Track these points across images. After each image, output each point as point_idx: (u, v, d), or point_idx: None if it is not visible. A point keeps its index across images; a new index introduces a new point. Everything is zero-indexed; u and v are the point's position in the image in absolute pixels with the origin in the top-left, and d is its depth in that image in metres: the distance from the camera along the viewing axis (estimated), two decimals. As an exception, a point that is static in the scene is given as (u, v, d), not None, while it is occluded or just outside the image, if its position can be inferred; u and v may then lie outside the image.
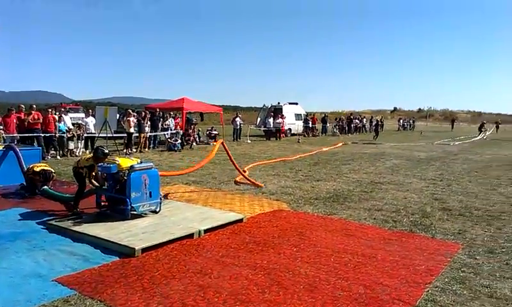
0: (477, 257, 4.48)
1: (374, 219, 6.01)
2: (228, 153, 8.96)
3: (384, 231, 5.39)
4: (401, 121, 43.33)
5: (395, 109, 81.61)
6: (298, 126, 27.89)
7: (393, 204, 6.97)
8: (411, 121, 45.55)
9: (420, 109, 79.14)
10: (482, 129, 32.33)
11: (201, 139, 20.01)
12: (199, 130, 20.51)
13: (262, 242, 4.87)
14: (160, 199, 5.93)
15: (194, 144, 17.92)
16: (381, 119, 37.39)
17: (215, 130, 21.05)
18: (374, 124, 28.33)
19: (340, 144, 20.29)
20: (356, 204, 6.94)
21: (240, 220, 5.70)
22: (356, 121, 34.53)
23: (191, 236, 4.99)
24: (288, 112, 27.35)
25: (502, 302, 3.45)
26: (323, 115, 34.37)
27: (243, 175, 8.74)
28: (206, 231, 5.19)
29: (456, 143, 23.15)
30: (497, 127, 43.64)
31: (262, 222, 5.70)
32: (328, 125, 31.80)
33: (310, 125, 28.92)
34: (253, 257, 4.39)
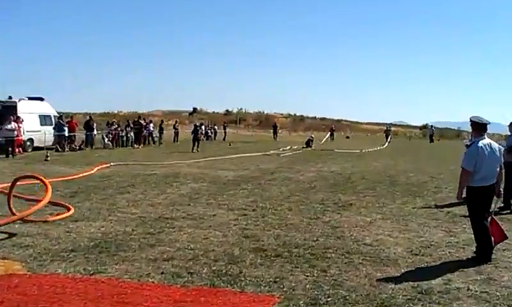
0: (297, 312, 5.02)
1: (162, 273, 6.11)
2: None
3: (177, 290, 5.52)
4: (203, 127, 46.13)
5: (194, 110, 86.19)
6: (46, 134, 26.63)
7: (189, 248, 7.23)
8: (215, 128, 49.01)
9: (228, 110, 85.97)
10: (311, 143, 37.30)
11: None
12: None
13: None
14: None
15: None
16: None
17: None
18: (192, 131, 30.34)
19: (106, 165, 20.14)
20: (135, 253, 6.94)
21: None
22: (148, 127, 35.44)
23: None
24: (29, 112, 25.84)
25: None
26: (88, 117, 33.72)
27: None
28: None
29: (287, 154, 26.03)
30: (332, 134, 51.52)
31: (-26, 299, 5.07)
32: (96, 132, 31.36)
33: (67, 133, 27.95)
34: None
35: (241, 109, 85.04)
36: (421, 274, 6.36)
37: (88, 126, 30.60)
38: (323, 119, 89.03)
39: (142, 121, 35.73)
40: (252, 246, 7.47)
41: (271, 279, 5.98)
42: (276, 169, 19.74)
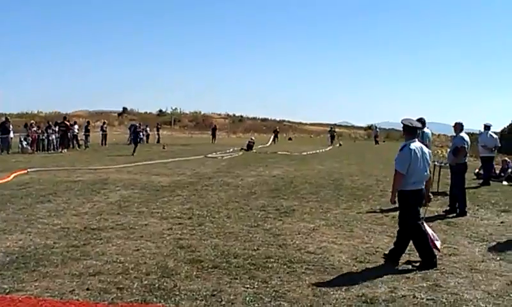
0: (236, 327, 5.03)
1: (88, 289, 6.02)
2: None
3: (104, 308, 5.41)
4: (133, 128, 45.44)
5: (124, 110, 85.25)
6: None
7: (118, 261, 7.14)
8: (147, 129, 48.47)
9: (161, 111, 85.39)
10: (252, 146, 37.70)
11: None
12: None
13: None
14: None
15: None
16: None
17: None
18: (131, 132, 30.09)
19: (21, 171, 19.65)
20: (57, 268, 6.79)
21: None
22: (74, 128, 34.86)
23: None
24: None
25: None
26: (3, 119, 32.70)
27: None
28: None
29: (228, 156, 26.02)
30: (276, 136, 52.99)
31: None
32: (13, 135, 30.51)
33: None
34: None
35: (176, 109, 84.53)
36: (366, 282, 6.51)
37: (4, 128, 29.59)
38: (264, 120, 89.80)
39: (67, 122, 34.80)
40: (188, 257, 7.44)
41: (207, 293, 5.98)
42: (214, 173, 19.73)
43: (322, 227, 9.81)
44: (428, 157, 7.62)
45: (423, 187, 7.49)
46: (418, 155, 7.40)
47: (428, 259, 7.23)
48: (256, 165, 24.13)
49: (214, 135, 51.55)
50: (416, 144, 7.52)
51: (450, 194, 12.06)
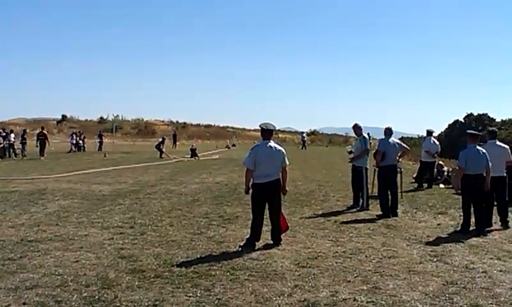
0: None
1: (24, 303, 5.89)
2: None
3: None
4: (74, 137, 44.58)
5: (64, 117, 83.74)
6: None
7: (56, 274, 7.01)
8: (83, 137, 47.41)
9: (102, 118, 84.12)
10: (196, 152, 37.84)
11: None
12: None
13: None
14: None
15: None
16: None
17: None
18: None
19: None
20: (-8, 283, 6.61)
21: None
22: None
23: None
24: None
25: None
26: None
27: None
28: None
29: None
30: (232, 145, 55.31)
31: None
32: None
33: None
34: None
35: (117, 116, 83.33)
36: (308, 286, 6.61)
37: None
38: (208, 126, 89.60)
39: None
40: (129, 267, 7.38)
41: (149, 303, 5.95)
42: (157, 181, 19.56)
43: (266, 233, 9.86)
44: (281, 154, 8.83)
45: (269, 180, 8.67)
46: (268, 152, 8.66)
47: (248, 243, 8.57)
48: (199, 171, 24.07)
49: (175, 141, 55.34)
50: (270, 144, 8.74)
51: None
